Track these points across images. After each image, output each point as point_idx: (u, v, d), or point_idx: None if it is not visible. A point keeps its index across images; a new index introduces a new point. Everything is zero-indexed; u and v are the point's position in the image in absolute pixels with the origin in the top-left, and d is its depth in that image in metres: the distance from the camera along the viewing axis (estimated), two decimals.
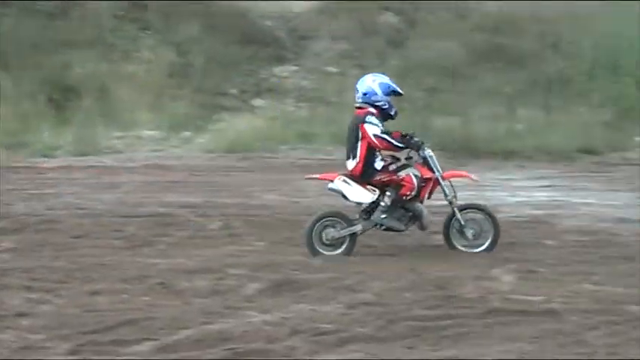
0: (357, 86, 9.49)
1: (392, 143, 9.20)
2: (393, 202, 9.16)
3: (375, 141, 9.14)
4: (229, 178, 15.95)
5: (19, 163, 17.02)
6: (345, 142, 9.45)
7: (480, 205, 9.69)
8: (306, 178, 9.94)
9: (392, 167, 9.33)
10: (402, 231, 9.40)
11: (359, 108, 9.38)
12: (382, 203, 9.19)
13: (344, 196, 9.24)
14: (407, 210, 9.29)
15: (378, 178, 9.24)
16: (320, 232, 9.18)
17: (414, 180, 9.21)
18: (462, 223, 9.41)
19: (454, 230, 9.45)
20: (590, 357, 6.35)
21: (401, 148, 9.33)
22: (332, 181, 9.28)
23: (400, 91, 9.51)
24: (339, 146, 13.69)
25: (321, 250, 9.16)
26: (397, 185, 9.15)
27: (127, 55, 21.62)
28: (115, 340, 6.68)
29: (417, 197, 9.26)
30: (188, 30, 21.67)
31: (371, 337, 6.72)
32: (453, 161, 15.88)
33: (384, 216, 9.19)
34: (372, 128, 9.13)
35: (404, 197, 9.17)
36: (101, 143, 18.70)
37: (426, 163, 9.38)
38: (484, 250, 9.43)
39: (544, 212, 12.66)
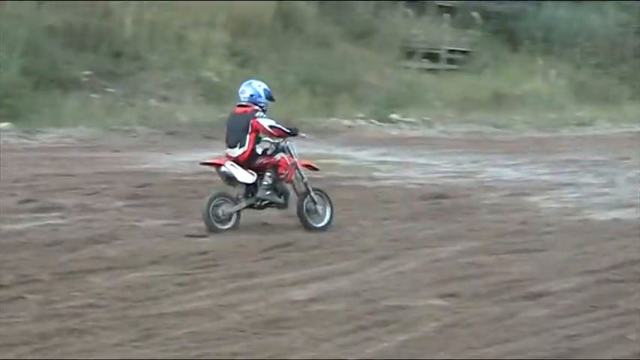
0: (244, 88, 10.96)
1: (284, 130, 10.77)
2: (273, 180, 10.68)
3: (271, 130, 10.71)
4: None
5: None
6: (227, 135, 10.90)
7: (320, 188, 11.11)
8: (201, 164, 11.30)
9: (269, 152, 10.85)
10: (283, 205, 10.85)
11: (242, 106, 10.83)
12: (264, 182, 10.64)
13: (233, 178, 10.57)
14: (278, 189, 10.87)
15: (259, 161, 10.72)
16: (214, 210, 10.41)
17: (288, 161, 10.77)
18: (315, 201, 10.82)
19: (307, 209, 10.80)
20: None
21: (289, 134, 10.83)
22: (224, 165, 10.60)
23: (274, 98, 11.21)
24: None
25: (217, 226, 10.37)
26: (274, 166, 10.72)
27: None
28: None
29: (285, 179, 10.80)
30: None
31: None
32: None
33: (268, 192, 10.65)
34: (267, 121, 10.74)
35: (280, 176, 10.73)
36: None
37: (289, 150, 10.90)
38: (326, 224, 10.85)
39: None
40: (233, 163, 10.57)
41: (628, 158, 19.10)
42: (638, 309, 7.39)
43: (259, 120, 10.68)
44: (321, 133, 21.06)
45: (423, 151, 19.13)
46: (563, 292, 7.96)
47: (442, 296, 7.66)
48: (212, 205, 10.40)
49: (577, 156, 19.49)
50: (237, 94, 11.00)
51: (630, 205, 13.32)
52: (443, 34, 30.34)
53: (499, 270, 8.74)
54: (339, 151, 18.85)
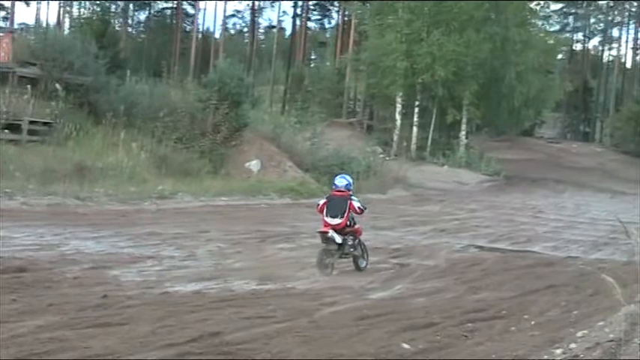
0: (340, 180, 15.74)
1: (363, 209, 15.55)
2: (353, 241, 15.61)
3: (359, 210, 15.45)
4: None
5: None
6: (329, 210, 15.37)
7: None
8: (317, 232, 15.54)
9: (350, 223, 15.59)
10: (362, 259, 15.98)
11: (340, 191, 15.51)
12: (349, 242, 15.50)
13: (332, 239, 15.12)
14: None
15: (347, 229, 15.48)
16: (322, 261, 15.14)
17: (361, 229, 15.99)
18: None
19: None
20: None
21: (363, 211, 15.63)
22: (328, 231, 15.17)
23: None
24: None
25: (325, 271, 15.01)
26: (354, 232, 15.70)
27: None
28: None
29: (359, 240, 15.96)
30: None
31: None
32: None
33: (352, 249, 15.59)
34: (357, 203, 15.49)
35: (358, 238, 15.84)
36: None
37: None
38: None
39: None
40: (333, 230, 15.17)
41: (208, 231, 19.71)
42: None
43: (354, 202, 15.47)
44: None
45: (4, 223, 18.52)
46: None
47: None
48: (321, 257, 15.12)
49: (159, 229, 19.73)
50: (334, 183, 15.83)
51: (211, 278, 13.76)
52: (25, 105, 29.71)
53: (80, 345, 8.64)
54: None
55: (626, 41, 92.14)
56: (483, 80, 54.73)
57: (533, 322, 11.49)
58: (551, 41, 65.56)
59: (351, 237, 15.50)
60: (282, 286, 13.46)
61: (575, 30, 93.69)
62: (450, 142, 58.30)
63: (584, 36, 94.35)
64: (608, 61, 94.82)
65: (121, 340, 8.96)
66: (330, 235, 15.12)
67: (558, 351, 9.69)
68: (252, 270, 14.64)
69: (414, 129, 55.90)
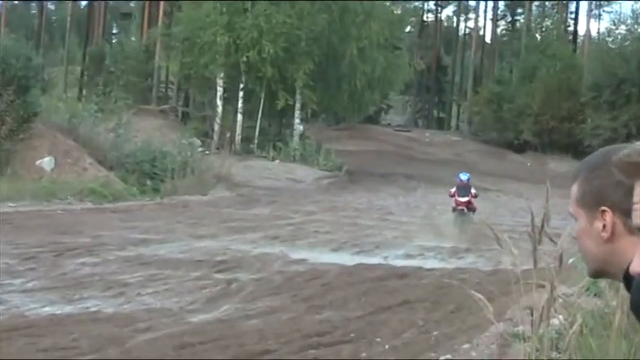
0: (464, 175, 29.80)
1: (477, 195, 29.51)
2: (470, 210, 29.23)
3: (474, 195, 29.07)
4: None
5: None
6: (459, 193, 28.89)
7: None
8: (455, 205, 28.99)
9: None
10: (472, 216, 29.00)
11: (464, 183, 29.09)
12: (470, 210, 29.12)
13: (463, 209, 28.78)
14: None
15: (469, 204, 28.82)
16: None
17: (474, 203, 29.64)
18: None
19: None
20: None
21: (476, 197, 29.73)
22: (464, 205, 28.84)
23: None
24: None
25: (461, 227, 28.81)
26: (470, 204, 29.05)
27: None
28: None
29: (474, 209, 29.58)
30: None
31: None
32: None
33: (471, 213, 28.91)
34: (473, 191, 29.23)
35: (473, 207, 29.21)
36: None
37: None
38: None
39: None
40: (464, 205, 28.59)
41: None
42: None
43: (472, 190, 29.05)
44: None
45: None
46: None
47: None
48: (457, 220, 28.74)
49: None
50: (459, 176, 29.58)
51: None
52: None
53: None
54: None
55: (485, 11, 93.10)
56: (319, 58, 55.24)
57: (387, 346, 11.76)
58: (398, 11, 66.84)
59: (471, 209, 29.04)
60: (85, 309, 13.37)
61: None
62: (281, 132, 58.79)
63: (436, 5, 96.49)
64: (465, 34, 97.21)
65: None
66: (461, 208, 28.84)
67: None
68: (48, 291, 14.49)
69: (239, 117, 56.09)
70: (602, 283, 9.80)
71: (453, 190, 29.35)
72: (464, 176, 29.69)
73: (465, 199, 28.83)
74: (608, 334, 7.88)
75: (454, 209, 29.19)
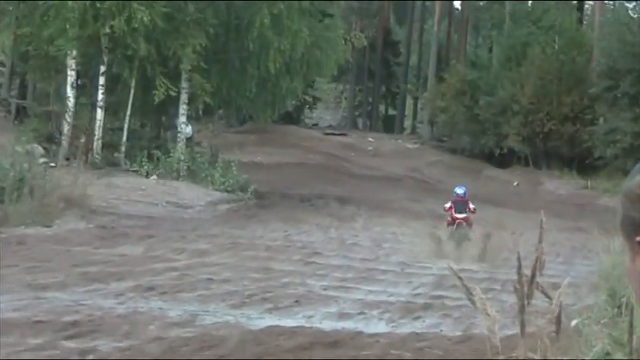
0: (460, 188, 38.38)
1: (475, 210, 37.62)
2: (469, 225, 37.76)
3: (473, 210, 37.38)
4: None
5: None
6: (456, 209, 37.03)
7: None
8: (453, 218, 36.78)
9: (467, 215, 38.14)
10: (469, 232, 37.37)
11: (461, 197, 37.42)
12: (467, 226, 37.56)
13: (461, 224, 36.64)
14: None
15: (468, 220, 37.13)
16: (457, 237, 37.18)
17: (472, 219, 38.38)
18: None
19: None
20: None
21: (475, 212, 38.74)
22: (461, 221, 36.89)
23: None
24: None
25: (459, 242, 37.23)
26: (468, 219, 37.36)
27: None
28: None
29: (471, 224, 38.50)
30: None
31: None
32: None
33: (468, 227, 37.06)
34: (472, 206, 37.44)
35: (470, 224, 37.90)
36: None
37: None
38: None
39: None
40: (461, 220, 36.71)
41: None
42: None
43: (471, 205, 37.26)
44: None
45: None
46: None
47: None
48: (455, 235, 36.38)
49: None
50: (455, 191, 38.36)
51: None
52: None
53: None
54: None
55: None
56: (216, 29, 55.24)
57: None
58: None
59: (468, 224, 36.23)
60: None
61: None
62: (160, 137, 58.76)
63: None
64: None
65: None
66: (459, 222, 35.58)
67: None
68: None
69: (99, 113, 55.77)
70: None
71: (448, 205, 37.31)
72: (460, 190, 37.81)
73: (463, 215, 36.66)
74: None
75: (449, 224, 37.11)
